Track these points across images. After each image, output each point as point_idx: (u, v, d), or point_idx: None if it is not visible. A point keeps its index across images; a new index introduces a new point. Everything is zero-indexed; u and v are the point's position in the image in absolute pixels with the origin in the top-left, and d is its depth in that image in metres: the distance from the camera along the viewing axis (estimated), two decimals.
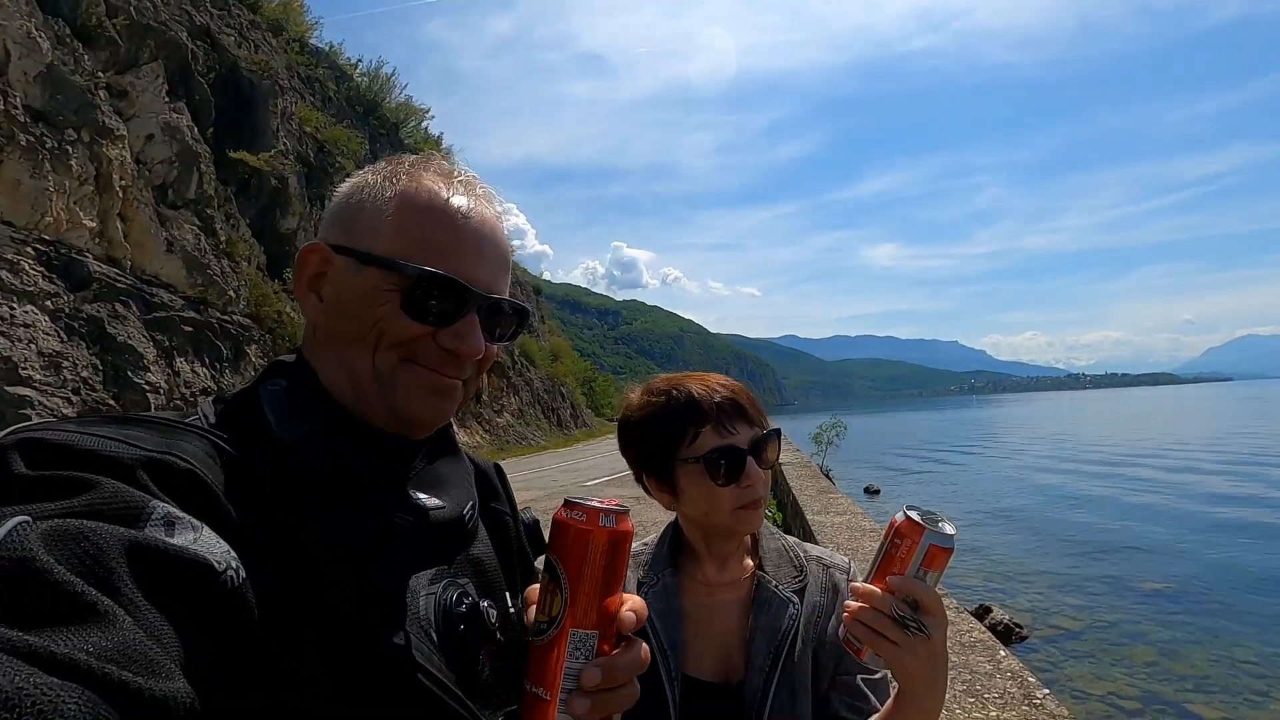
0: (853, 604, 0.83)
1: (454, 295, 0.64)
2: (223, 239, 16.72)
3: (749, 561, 1.08)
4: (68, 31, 13.79)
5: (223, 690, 0.46)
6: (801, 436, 26.44)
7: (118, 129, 14.23)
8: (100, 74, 14.33)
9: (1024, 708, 1.70)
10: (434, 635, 0.61)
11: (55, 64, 13.13)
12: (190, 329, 14.92)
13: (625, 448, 1.10)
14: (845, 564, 1.12)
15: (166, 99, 15.81)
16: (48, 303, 12.29)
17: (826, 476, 20.93)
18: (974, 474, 25.99)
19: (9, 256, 11.92)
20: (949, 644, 2.22)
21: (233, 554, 0.48)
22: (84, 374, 12.42)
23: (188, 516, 0.47)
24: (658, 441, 1.03)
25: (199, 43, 17.76)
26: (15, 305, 11.77)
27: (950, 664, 2.07)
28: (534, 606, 0.62)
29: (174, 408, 13.82)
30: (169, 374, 14.07)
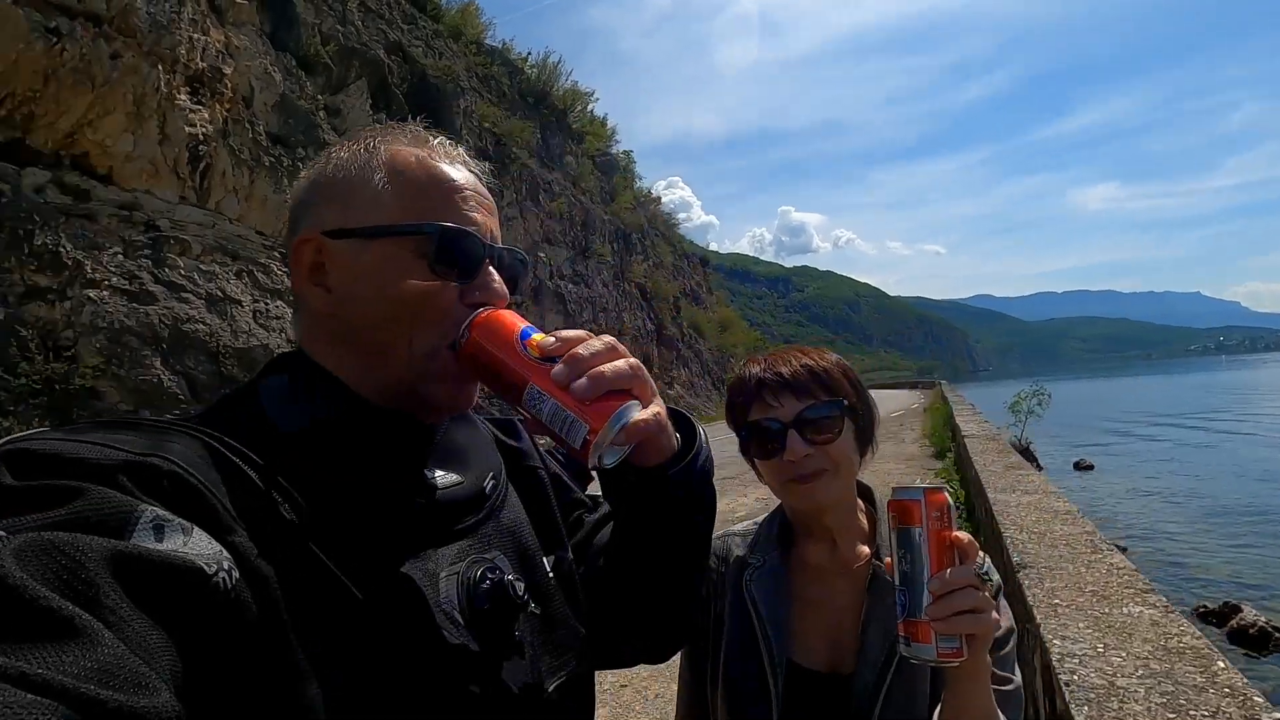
0: (942, 608, 0.73)
1: (471, 246, 0.63)
2: None
3: (864, 548, 1.01)
4: (293, 63, 16.08)
5: (224, 694, 0.45)
6: (995, 406, 23.96)
7: (335, 143, 16.43)
8: (319, 97, 16.57)
9: None
10: (459, 616, 0.59)
11: (286, 93, 15.40)
12: None
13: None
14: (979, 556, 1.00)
15: (370, 112, 17.91)
16: (292, 298, 14.67)
17: (1026, 450, 18.90)
18: (1219, 449, 21.94)
19: (262, 261, 14.36)
20: (1151, 650, 1.90)
21: (225, 554, 0.47)
22: None
23: (177, 519, 0.46)
24: (731, 417, 1.03)
25: (394, 57, 19.84)
26: (269, 301, 14.18)
27: (1150, 672, 1.78)
28: None
29: None
30: None
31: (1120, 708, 1.56)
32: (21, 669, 0.32)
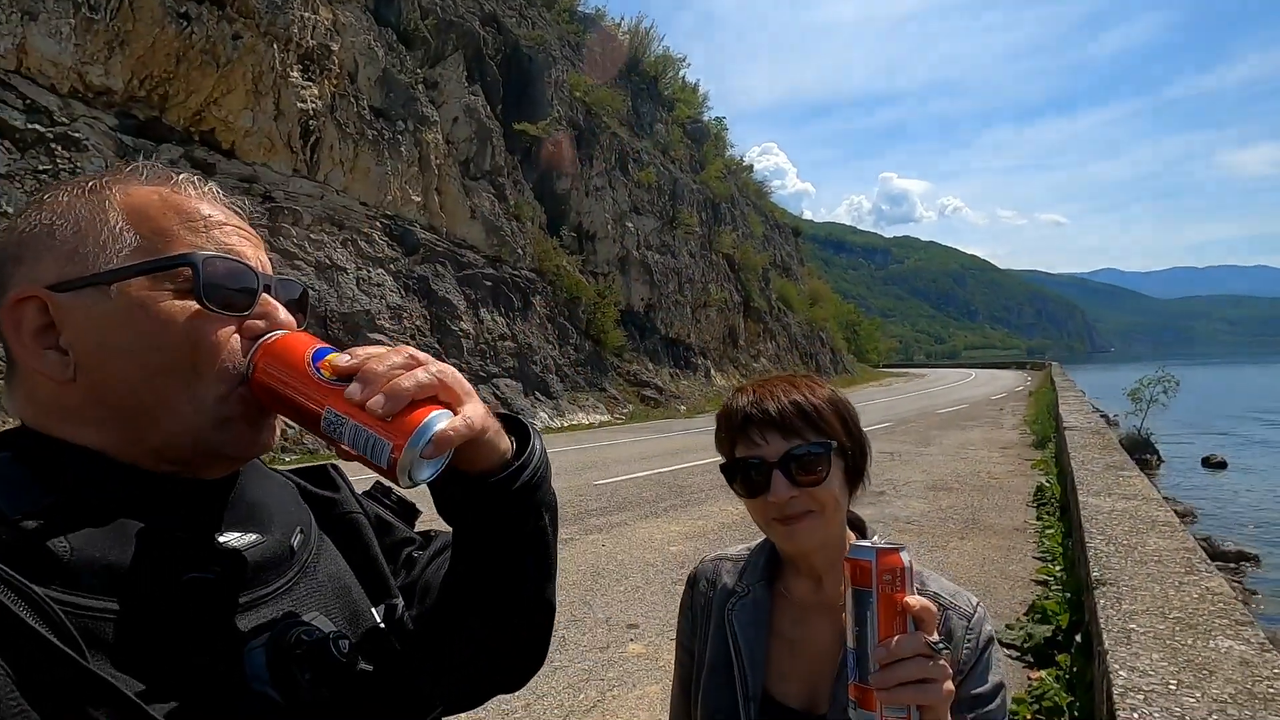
0: (886, 677, 0.68)
1: (242, 275, 0.58)
2: (511, 203, 19.17)
3: None
4: (394, 38, 16.68)
5: None
6: (1114, 392, 22.07)
7: (432, 116, 16.99)
8: (418, 70, 17.15)
9: None
10: (272, 692, 0.54)
11: (388, 68, 16.04)
12: (489, 283, 17.56)
13: None
14: (970, 607, 0.92)
15: (465, 84, 18.38)
16: (391, 265, 15.44)
17: (1146, 442, 17.34)
18: None
19: (365, 230, 15.18)
20: (1233, 693, 1.71)
21: None
22: (418, 323, 15.47)
23: None
24: (718, 447, 0.98)
25: (488, 29, 20.17)
26: (371, 269, 15.02)
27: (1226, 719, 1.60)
28: None
29: (479, 351, 16.59)
30: (476, 322, 16.81)
31: None
32: None
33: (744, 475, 0.94)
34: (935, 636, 0.70)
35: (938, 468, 9.77)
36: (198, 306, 0.55)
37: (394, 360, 0.55)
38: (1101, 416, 12.87)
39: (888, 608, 0.70)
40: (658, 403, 20.70)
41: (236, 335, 0.57)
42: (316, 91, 14.18)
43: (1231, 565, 8.54)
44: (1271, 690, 1.67)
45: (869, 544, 0.72)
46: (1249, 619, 2.09)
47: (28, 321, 0.55)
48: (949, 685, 0.69)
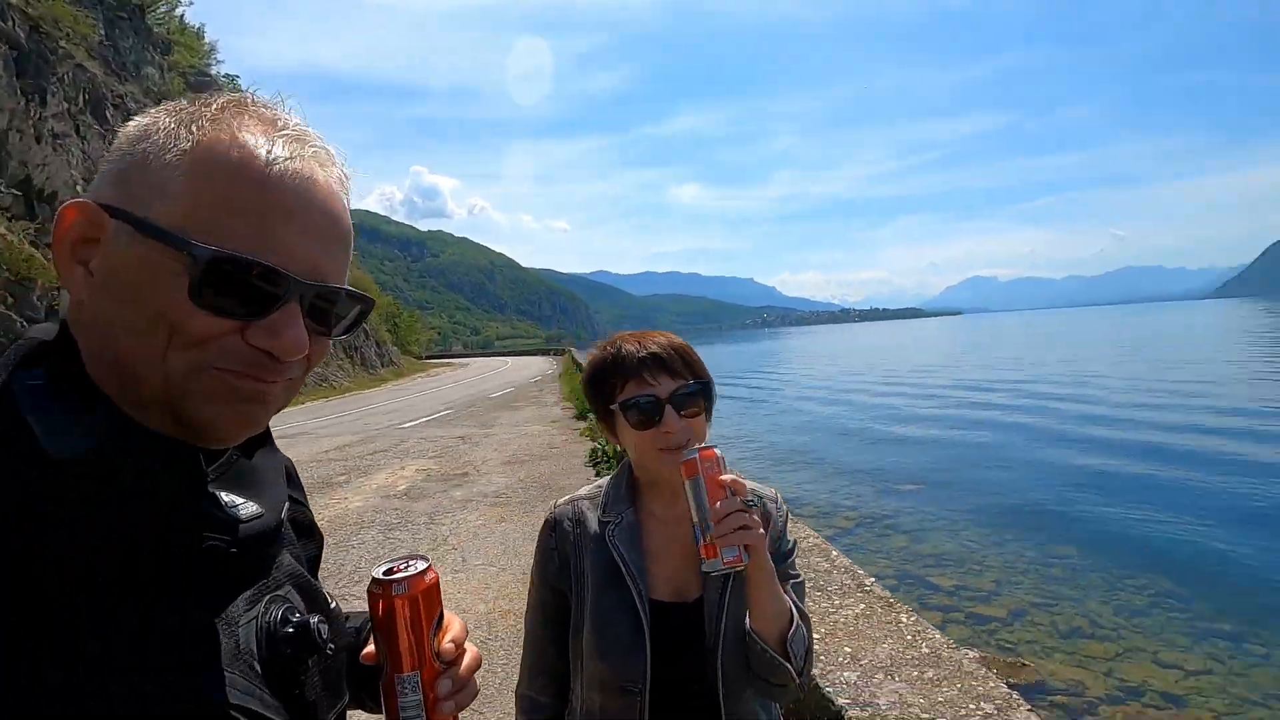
0: (720, 529, 0.96)
1: (263, 282, 0.50)
2: None
3: None
4: None
5: None
6: None
7: None
8: None
9: (860, 594, 2.08)
10: (257, 666, 0.53)
11: None
12: None
13: (586, 398, 1.19)
14: (774, 494, 1.29)
15: None
16: None
17: None
18: (765, 401, 28.98)
19: None
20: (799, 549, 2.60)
21: None
22: None
23: None
24: (597, 392, 1.14)
25: None
26: None
27: (803, 565, 2.44)
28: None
29: None
30: None
31: None
32: None
33: (638, 410, 1.08)
34: (748, 495, 0.99)
35: (507, 445, 10.69)
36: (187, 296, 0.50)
37: (473, 671, 0.67)
38: None
39: (712, 485, 0.98)
40: None
41: (235, 334, 0.51)
42: None
43: None
44: (796, 529, 2.57)
45: (693, 447, 1.01)
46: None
47: (71, 230, 0.51)
48: (763, 530, 0.99)
